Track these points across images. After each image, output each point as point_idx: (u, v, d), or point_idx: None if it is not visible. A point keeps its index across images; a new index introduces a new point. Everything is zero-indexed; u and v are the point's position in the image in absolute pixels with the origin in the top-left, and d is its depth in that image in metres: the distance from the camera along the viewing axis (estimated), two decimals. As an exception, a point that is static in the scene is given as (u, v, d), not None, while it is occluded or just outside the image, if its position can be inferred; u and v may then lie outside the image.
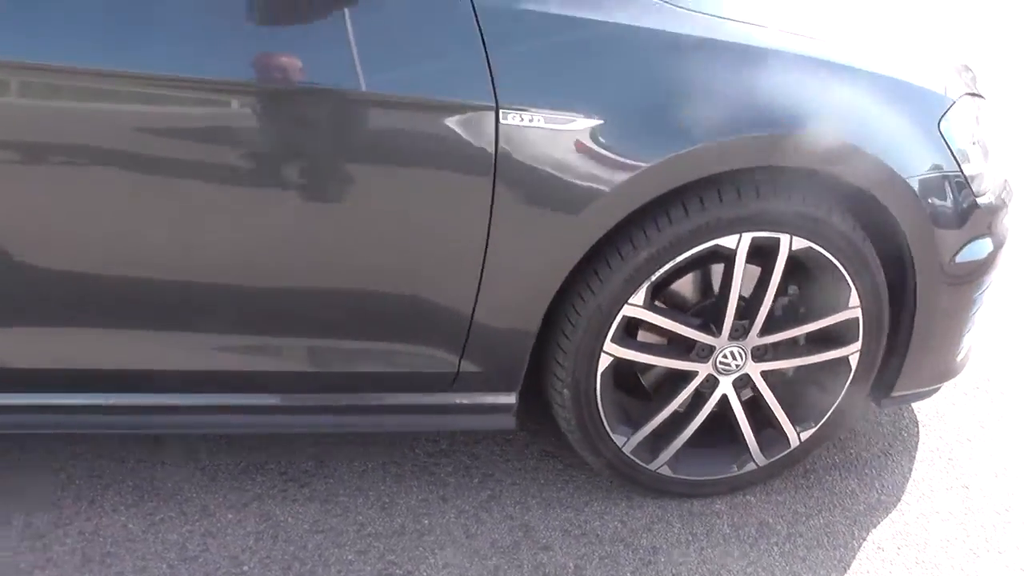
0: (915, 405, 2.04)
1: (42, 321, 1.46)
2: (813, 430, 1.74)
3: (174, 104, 1.31)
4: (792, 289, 1.68)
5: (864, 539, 1.69)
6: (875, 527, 1.72)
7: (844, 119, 1.50)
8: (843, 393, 1.72)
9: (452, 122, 1.34)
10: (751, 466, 1.74)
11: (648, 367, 1.68)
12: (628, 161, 1.39)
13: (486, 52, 1.33)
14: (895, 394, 1.77)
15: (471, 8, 1.32)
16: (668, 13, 1.43)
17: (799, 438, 1.74)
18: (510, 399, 1.60)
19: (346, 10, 1.28)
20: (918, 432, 1.98)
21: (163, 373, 1.53)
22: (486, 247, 1.42)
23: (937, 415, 2.03)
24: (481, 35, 1.33)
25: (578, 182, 1.39)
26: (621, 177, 1.40)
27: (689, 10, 1.45)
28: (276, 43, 1.29)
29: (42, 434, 1.72)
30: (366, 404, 1.60)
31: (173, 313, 1.47)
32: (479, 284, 1.45)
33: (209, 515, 1.61)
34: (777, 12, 1.58)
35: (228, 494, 1.66)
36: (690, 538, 1.66)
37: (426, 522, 1.63)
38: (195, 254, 1.41)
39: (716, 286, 1.63)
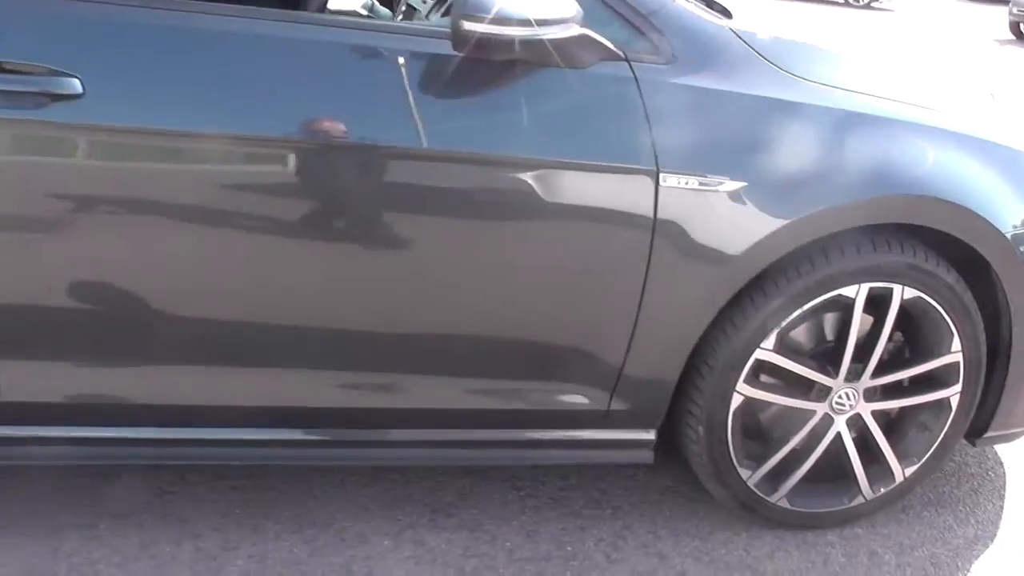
0: (999, 447, 2.19)
1: (211, 360, 1.59)
2: (916, 466, 1.88)
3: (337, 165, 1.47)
4: (897, 335, 1.84)
5: (968, 571, 1.82)
6: (976, 559, 1.85)
7: (953, 180, 1.68)
8: (944, 432, 1.87)
9: (618, 184, 1.52)
10: (860, 500, 1.88)
11: (767, 406, 1.83)
12: (767, 219, 1.57)
13: (649, 124, 1.51)
14: (989, 434, 1.92)
15: (637, 88, 1.51)
16: (804, 87, 1.62)
17: (903, 474, 1.88)
18: (650, 435, 1.74)
19: (536, 97, 1.48)
20: (1004, 472, 2.12)
21: (319, 410, 1.66)
22: (642, 296, 1.58)
23: (1022, 456, 2.18)
24: (645, 110, 1.51)
25: (725, 238, 1.56)
26: (761, 233, 1.57)
27: (823, 84, 1.64)
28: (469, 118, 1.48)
29: (206, 464, 1.85)
30: (514, 439, 1.74)
31: (333, 353, 1.61)
32: (633, 330, 1.61)
33: (366, 541, 1.73)
34: (894, 84, 1.80)
35: (381, 522, 1.78)
36: (809, 566, 1.78)
37: (569, 549, 1.75)
38: (382, 305, 1.56)
39: (829, 332, 1.80)
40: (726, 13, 1.78)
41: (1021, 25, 14.16)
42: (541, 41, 1.38)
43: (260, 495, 1.84)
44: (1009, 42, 13.76)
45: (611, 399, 1.68)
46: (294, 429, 1.68)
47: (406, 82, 1.42)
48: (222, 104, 1.40)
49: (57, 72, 1.36)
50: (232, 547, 1.71)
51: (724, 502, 1.84)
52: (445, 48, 1.45)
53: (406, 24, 1.64)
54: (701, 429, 1.73)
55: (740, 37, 1.61)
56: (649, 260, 1.56)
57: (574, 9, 1.41)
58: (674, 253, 1.56)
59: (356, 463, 1.85)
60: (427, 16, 1.95)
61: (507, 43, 1.38)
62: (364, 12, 1.89)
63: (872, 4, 17.99)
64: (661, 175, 1.52)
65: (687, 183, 1.53)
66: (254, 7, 1.44)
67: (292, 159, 1.45)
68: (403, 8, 2.09)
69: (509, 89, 1.46)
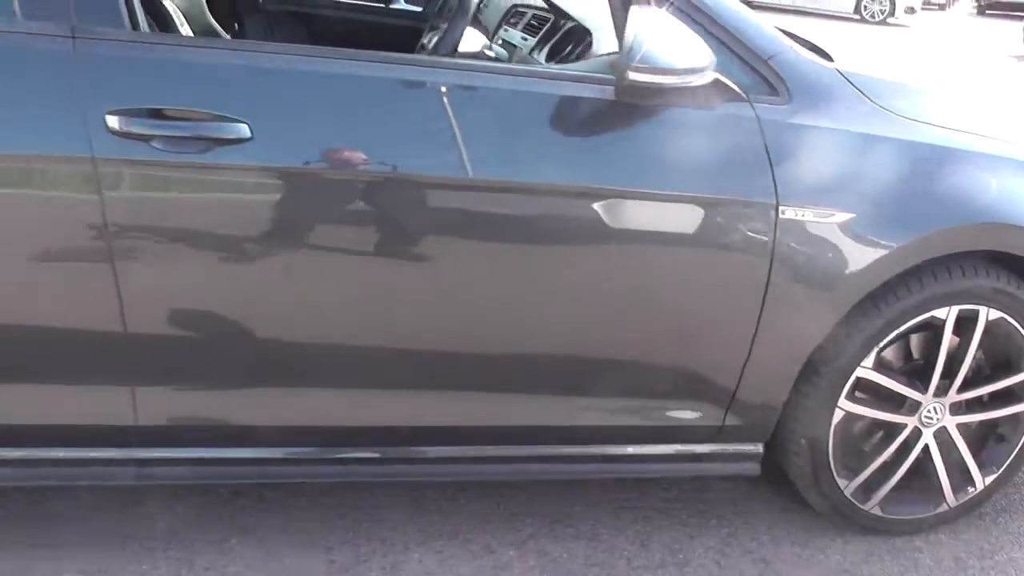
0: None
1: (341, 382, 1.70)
2: (995, 475, 2.01)
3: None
4: (979, 353, 1.97)
5: (1046, 572, 1.95)
6: (1053, 561, 1.98)
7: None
8: (1021, 442, 2.00)
9: (741, 216, 1.64)
10: (944, 507, 2.00)
11: (862, 420, 1.95)
12: (872, 248, 1.69)
13: (770, 161, 1.63)
14: (1060, 444, 2.06)
15: (759, 127, 1.63)
16: (900, 123, 1.75)
17: (984, 482, 2.01)
18: (758, 448, 1.86)
19: (670, 136, 1.60)
20: (1068, 480, 2.26)
21: (434, 429, 1.77)
22: (759, 319, 1.70)
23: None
24: (767, 148, 1.63)
25: (835, 266, 1.68)
26: (866, 261, 1.69)
27: (915, 120, 1.77)
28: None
29: (328, 482, 1.95)
30: (631, 454, 1.85)
31: (462, 374, 1.71)
32: (750, 350, 1.72)
33: (492, 552, 1.84)
34: (973, 118, 1.93)
35: (504, 534, 1.89)
36: (902, 570, 1.90)
37: (681, 556, 1.86)
38: (515, 328, 1.67)
39: (916, 350, 1.92)
40: (826, 56, 1.91)
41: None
42: (688, 87, 1.51)
43: (377, 511, 1.94)
44: (1022, 57, 14.01)
45: (726, 415, 1.79)
46: (421, 447, 1.78)
47: (556, 124, 1.54)
48: (389, 146, 1.51)
49: (225, 118, 1.47)
50: (364, 560, 1.80)
51: (821, 510, 1.96)
52: (583, 91, 1.58)
53: (555, 69, 1.74)
54: (804, 442, 1.85)
55: (845, 78, 1.74)
56: (767, 287, 1.68)
57: (710, 57, 1.54)
58: (789, 280, 1.68)
59: (484, 478, 1.95)
60: (530, 53, 2.07)
61: (660, 90, 1.51)
62: (491, 54, 2.01)
63: (888, 20, 18.26)
64: (780, 208, 1.64)
65: (803, 215, 1.65)
66: (413, 55, 1.55)
67: (455, 198, 1.56)
68: (499, 43, 2.20)
69: (649, 130, 1.59)
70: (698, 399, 1.78)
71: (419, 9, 3.07)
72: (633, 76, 1.47)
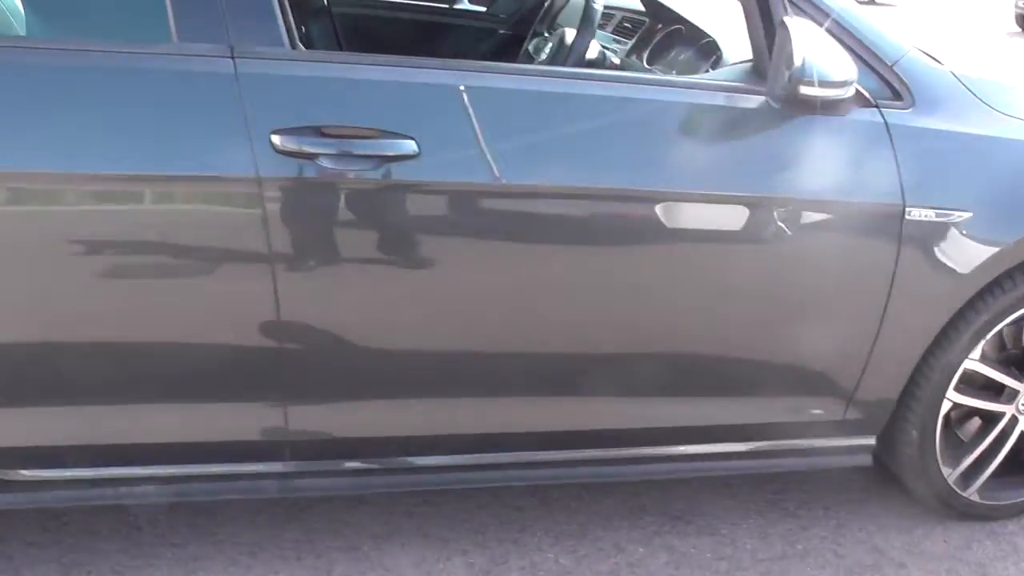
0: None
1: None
2: (1082, 460, 2.11)
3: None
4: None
5: None
6: None
7: None
8: (1106, 428, 2.10)
9: (870, 218, 1.70)
10: (1035, 491, 2.10)
11: (964, 410, 2.03)
12: (987, 245, 1.77)
13: (897, 164, 1.70)
14: None
15: (887, 131, 1.69)
16: (1010, 123, 1.82)
17: (1071, 466, 2.11)
18: (871, 440, 1.93)
19: (808, 143, 1.66)
20: None
21: (593, 432, 1.81)
22: (883, 315, 1.76)
23: None
24: (894, 152, 1.69)
25: (954, 263, 1.76)
26: (981, 257, 1.77)
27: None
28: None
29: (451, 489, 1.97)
30: (753, 450, 1.90)
31: (615, 380, 1.76)
32: (872, 346, 1.79)
33: (622, 550, 1.88)
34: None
35: (630, 531, 1.93)
36: (1003, 554, 1.99)
37: (800, 547, 1.93)
38: (659, 332, 1.72)
39: (1009, 341, 2.01)
40: (934, 58, 1.98)
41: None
42: (841, 99, 1.57)
43: (503, 512, 1.98)
44: (1016, 34, 14.03)
45: (846, 410, 1.86)
46: (573, 450, 1.82)
47: (712, 134, 1.59)
48: (563, 159, 1.55)
49: (392, 134, 1.48)
50: (501, 561, 1.84)
51: (925, 499, 2.04)
52: (737, 101, 1.65)
53: (705, 80, 1.79)
54: (915, 433, 1.93)
55: (959, 80, 1.81)
56: (891, 285, 1.74)
57: (855, 69, 1.60)
58: (912, 279, 1.75)
59: (624, 479, 1.99)
60: (627, 57, 2.10)
61: (824, 102, 1.58)
62: (616, 61, 2.04)
63: (876, 0, 18.25)
64: (907, 209, 1.71)
65: (926, 215, 1.72)
66: (571, 69, 1.57)
67: (610, 207, 1.61)
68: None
69: (802, 139, 1.66)
70: (821, 395, 1.85)
71: (483, 9, 3.08)
72: (805, 91, 1.53)
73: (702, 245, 1.67)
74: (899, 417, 1.94)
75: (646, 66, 2.11)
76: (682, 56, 2.01)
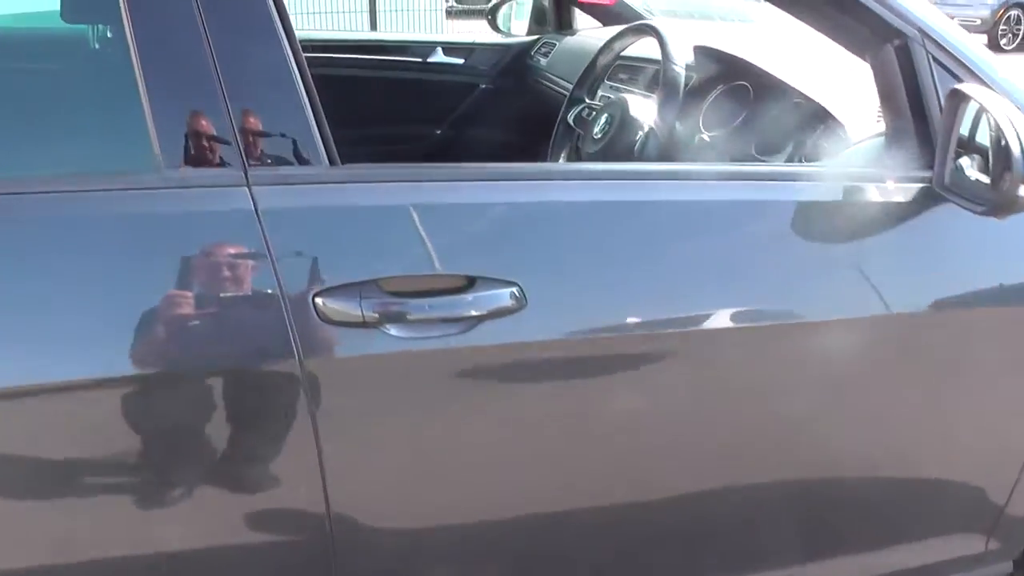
0: None
1: None
2: None
3: None
4: None
5: None
6: None
7: None
8: None
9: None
10: None
11: None
12: None
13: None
14: None
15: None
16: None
17: None
18: (1007, 567, 1.65)
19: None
20: None
21: None
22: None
23: None
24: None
25: None
26: None
27: None
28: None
29: None
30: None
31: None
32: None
33: None
34: None
35: None
36: None
37: None
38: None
39: None
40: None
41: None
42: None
43: None
44: None
45: (988, 542, 1.57)
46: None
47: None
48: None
49: (487, 280, 1.03)
50: None
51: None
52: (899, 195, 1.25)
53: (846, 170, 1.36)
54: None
55: None
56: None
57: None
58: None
59: None
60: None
61: None
62: (706, 138, 1.61)
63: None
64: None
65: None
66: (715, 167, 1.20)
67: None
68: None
69: (1003, 241, 1.31)
70: (963, 531, 1.56)
71: (460, 61, 2.63)
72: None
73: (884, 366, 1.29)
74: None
75: (708, 136, 1.71)
76: (770, 125, 1.64)
